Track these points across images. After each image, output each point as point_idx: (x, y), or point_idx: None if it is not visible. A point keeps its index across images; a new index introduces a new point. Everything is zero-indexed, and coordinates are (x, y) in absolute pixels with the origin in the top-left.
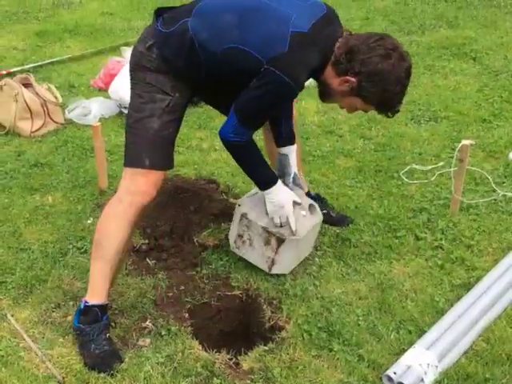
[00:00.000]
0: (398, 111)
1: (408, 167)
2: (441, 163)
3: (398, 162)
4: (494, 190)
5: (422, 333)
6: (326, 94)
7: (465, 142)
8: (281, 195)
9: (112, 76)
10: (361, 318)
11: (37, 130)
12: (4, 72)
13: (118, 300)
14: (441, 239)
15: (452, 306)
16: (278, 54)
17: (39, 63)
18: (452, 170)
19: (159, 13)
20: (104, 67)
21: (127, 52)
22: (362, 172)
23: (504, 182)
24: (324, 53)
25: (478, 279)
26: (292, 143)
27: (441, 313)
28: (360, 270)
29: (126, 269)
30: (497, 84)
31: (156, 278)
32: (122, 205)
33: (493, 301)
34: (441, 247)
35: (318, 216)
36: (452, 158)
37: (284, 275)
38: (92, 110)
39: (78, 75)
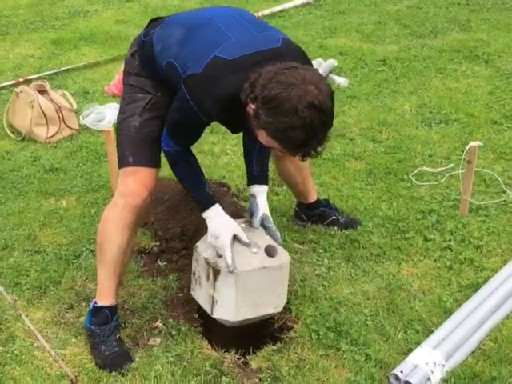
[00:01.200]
0: (309, 154)
1: (418, 169)
2: (451, 165)
3: (407, 164)
4: (504, 192)
5: (429, 333)
6: (251, 129)
7: (473, 143)
8: (217, 222)
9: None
10: (369, 318)
11: (52, 136)
12: (21, 79)
13: (129, 301)
14: (449, 240)
15: (460, 306)
16: (190, 75)
17: (55, 71)
18: (461, 171)
19: (153, 21)
20: (118, 74)
21: None
22: (372, 174)
23: None
24: (242, 85)
25: (487, 280)
26: (262, 183)
27: (449, 313)
28: (368, 271)
29: (137, 270)
30: (508, 86)
31: (167, 279)
32: (117, 208)
33: (501, 301)
34: (449, 248)
35: (279, 261)
36: (462, 159)
37: (294, 276)
38: (106, 115)
39: (92, 82)
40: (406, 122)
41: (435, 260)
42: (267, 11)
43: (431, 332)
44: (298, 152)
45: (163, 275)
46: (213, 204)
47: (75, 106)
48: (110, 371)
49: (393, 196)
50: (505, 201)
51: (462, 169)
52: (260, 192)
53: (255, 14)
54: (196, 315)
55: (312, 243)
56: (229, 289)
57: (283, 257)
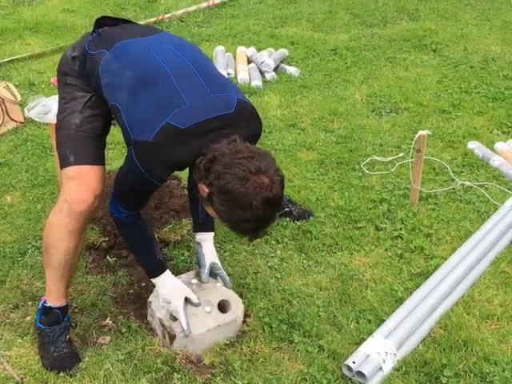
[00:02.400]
0: (257, 237)
1: (369, 159)
2: (401, 154)
3: (359, 153)
4: (453, 180)
5: (381, 322)
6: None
7: (421, 132)
8: (167, 288)
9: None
10: (321, 309)
11: None
12: None
13: (77, 298)
14: (400, 229)
15: (411, 294)
16: (141, 140)
17: None
18: (411, 160)
19: (101, 22)
20: None
21: None
22: (324, 164)
23: (462, 172)
24: (196, 153)
25: (437, 267)
26: (208, 230)
27: (400, 302)
28: (321, 262)
29: (85, 267)
30: (456, 75)
31: (116, 275)
32: (62, 214)
33: (450, 288)
34: (400, 237)
35: (233, 315)
36: (412, 148)
37: (246, 269)
38: (52, 107)
39: (38, 73)
40: (357, 111)
41: (386, 249)
42: (218, 0)
43: (383, 321)
44: (246, 236)
45: (112, 271)
46: (163, 271)
47: (19, 98)
48: (58, 372)
49: (344, 186)
50: (453, 189)
51: (411, 158)
52: (205, 240)
53: (207, 3)
54: (147, 312)
55: (264, 235)
56: (186, 347)
57: (237, 309)
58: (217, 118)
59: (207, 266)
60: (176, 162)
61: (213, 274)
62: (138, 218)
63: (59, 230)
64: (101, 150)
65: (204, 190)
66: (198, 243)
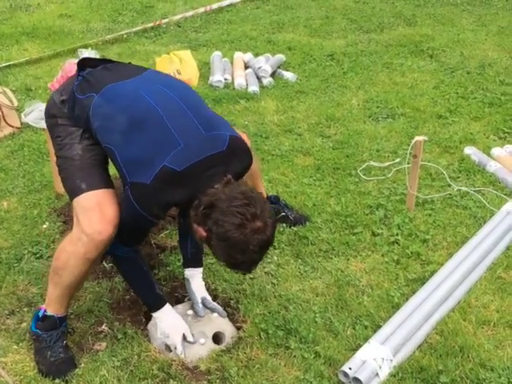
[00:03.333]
0: (249, 272)
1: (365, 164)
2: (397, 159)
3: (355, 159)
4: (449, 185)
5: (377, 328)
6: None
7: (418, 138)
8: (166, 323)
9: (69, 78)
10: (318, 315)
11: None
12: None
13: (73, 305)
14: (397, 234)
15: (407, 300)
16: (139, 182)
17: None
18: (407, 166)
19: (83, 64)
20: (61, 70)
21: (85, 54)
22: (321, 170)
23: (459, 177)
24: (192, 194)
25: (433, 273)
26: (196, 266)
27: (396, 307)
28: (317, 268)
29: None
30: (453, 80)
31: (113, 281)
32: (81, 242)
33: (447, 294)
34: (397, 242)
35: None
36: (408, 154)
37: (243, 275)
38: None
39: (35, 78)
40: (354, 116)
41: (383, 255)
42: (215, 5)
43: (379, 327)
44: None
45: (109, 277)
46: (163, 305)
47: (16, 103)
48: (54, 378)
49: (341, 191)
50: (450, 194)
51: (408, 163)
52: (194, 276)
53: (204, 9)
54: (143, 317)
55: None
56: None
57: (230, 340)
58: (210, 157)
59: (199, 301)
60: (173, 203)
61: (205, 307)
62: (135, 253)
63: (75, 257)
64: (108, 173)
65: (202, 233)
66: (187, 279)
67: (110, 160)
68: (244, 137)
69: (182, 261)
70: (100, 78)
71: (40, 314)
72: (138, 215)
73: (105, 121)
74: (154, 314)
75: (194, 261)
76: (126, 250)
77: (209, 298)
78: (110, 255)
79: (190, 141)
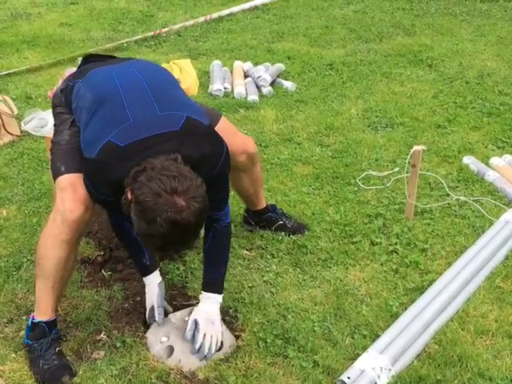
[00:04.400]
0: (167, 257)
1: (364, 173)
2: (396, 169)
3: (354, 168)
4: (448, 195)
5: (376, 337)
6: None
7: (416, 147)
8: (146, 288)
9: None
10: (316, 324)
11: None
12: None
13: (72, 313)
14: (396, 244)
15: (406, 309)
16: (87, 157)
17: None
18: (406, 175)
19: (89, 59)
20: (61, 78)
21: None
22: (319, 179)
23: (457, 187)
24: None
25: (432, 283)
26: (207, 290)
27: (395, 317)
28: (316, 277)
29: (80, 281)
30: (451, 90)
31: (111, 289)
32: (55, 223)
33: (445, 303)
34: (395, 252)
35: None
36: (407, 163)
37: (241, 283)
38: (49, 121)
39: (35, 86)
40: (353, 126)
41: (382, 264)
42: (215, 15)
43: (378, 336)
44: (156, 251)
45: (107, 285)
46: (147, 274)
47: (16, 111)
48: None
49: (340, 200)
50: (448, 204)
51: (407, 172)
52: (202, 299)
53: (204, 18)
54: (142, 326)
55: (260, 249)
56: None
57: (229, 349)
58: (159, 135)
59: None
60: (114, 180)
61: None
62: (123, 220)
63: (52, 239)
64: None
65: (127, 196)
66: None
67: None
68: (249, 142)
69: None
70: (90, 67)
71: (29, 323)
72: (92, 192)
73: (79, 101)
74: (144, 279)
75: (205, 284)
76: (114, 217)
77: (209, 333)
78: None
79: (140, 118)
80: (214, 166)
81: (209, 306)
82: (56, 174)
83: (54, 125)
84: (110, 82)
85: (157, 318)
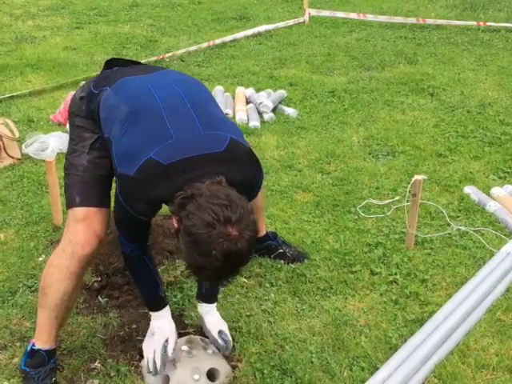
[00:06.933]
0: (216, 285)
1: (365, 202)
2: (397, 197)
3: (355, 196)
4: (449, 224)
5: (374, 370)
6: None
7: (417, 177)
8: (157, 323)
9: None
10: (314, 356)
11: None
12: None
13: (66, 340)
14: (395, 274)
15: (405, 341)
16: (123, 174)
17: None
18: (406, 204)
19: (111, 64)
20: (64, 102)
21: None
22: (320, 206)
23: (458, 216)
24: (176, 190)
25: (432, 314)
26: (210, 302)
27: (394, 349)
28: (315, 306)
29: (76, 307)
30: (453, 119)
31: (107, 316)
32: (65, 254)
33: (445, 336)
34: (395, 282)
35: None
36: (408, 192)
37: (239, 312)
38: (49, 144)
39: (37, 110)
40: (354, 153)
41: (381, 294)
42: (218, 41)
43: (376, 369)
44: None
45: (104, 312)
46: (162, 308)
47: (17, 134)
48: None
49: (340, 228)
50: (449, 234)
51: (407, 201)
52: (208, 312)
53: (207, 44)
54: (137, 354)
55: (258, 277)
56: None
57: (225, 380)
58: (203, 156)
59: (217, 338)
60: (155, 198)
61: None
62: (143, 253)
63: (59, 271)
64: (107, 191)
65: (174, 224)
66: (201, 316)
67: (109, 152)
68: None
69: (196, 292)
70: (117, 74)
71: (28, 348)
72: (123, 209)
73: (109, 111)
74: (152, 313)
75: (207, 296)
76: (131, 247)
77: (225, 329)
78: (122, 255)
79: (183, 136)
80: (251, 189)
81: (213, 315)
82: (70, 203)
83: (72, 139)
84: (147, 94)
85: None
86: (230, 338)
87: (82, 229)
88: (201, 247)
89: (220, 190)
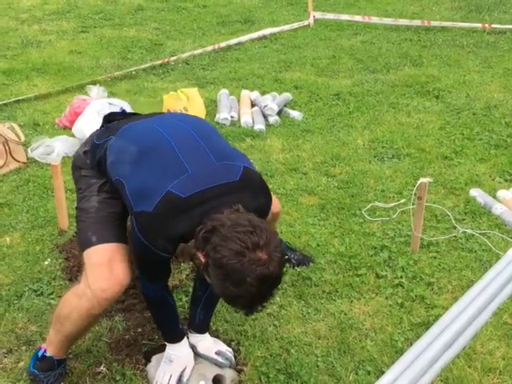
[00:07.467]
0: (252, 313)
1: (370, 205)
2: (402, 200)
3: (360, 199)
4: (455, 227)
5: (380, 373)
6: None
7: (423, 179)
8: (177, 352)
9: (77, 114)
10: (320, 359)
11: None
12: None
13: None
14: (401, 277)
15: (411, 344)
16: (142, 212)
17: (4, 101)
18: (412, 207)
19: (110, 118)
20: (69, 105)
21: (93, 90)
22: (325, 210)
23: (464, 219)
24: (197, 222)
25: (438, 317)
26: (202, 332)
27: (400, 352)
28: (320, 310)
29: None
30: (458, 122)
31: (113, 320)
32: (86, 297)
33: (451, 339)
34: (401, 285)
35: None
36: (413, 195)
37: (244, 316)
38: (55, 148)
39: (43, 113)
40: (359, 156)
41: (387, 297)
42: (223, 44)
43: (382, 372)
44: (240, 310)
45: (109, 316)
46: (181, 339)
47: (23, 138)
48: None
49: (345, 232)
50: (455, 236)
51: (413, 204)
52: (200, 341)
53: (212, 47)
54: (142, 358)
55: (262, 309)
56: None
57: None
58: (220, 186)
59: (215, 357)
60: (177, 234)
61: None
62: (165, 292)
63: (78, 312)
64: (124, 227)
65: (201, 260)
66: (193, 346)
67: (120, 194)
68: (276, 202)
69: (188, 321)
70: (120, 124)
71: (39, 354)
72: (144, 248)
73: (117, 155)
74: (170, 345)
75: (201, 326)
76: (152, 288)
77: (222, 348)
78: (143, 296)
79: (199, 168)
80: (266, 214)
81: (207, 342)
82: (86, 245)
83: (79, 189)
84: (155, 133)
85: None
86: (231, 354)
87: (102, 273)
88: (234, 277)
89: (240, 217)
